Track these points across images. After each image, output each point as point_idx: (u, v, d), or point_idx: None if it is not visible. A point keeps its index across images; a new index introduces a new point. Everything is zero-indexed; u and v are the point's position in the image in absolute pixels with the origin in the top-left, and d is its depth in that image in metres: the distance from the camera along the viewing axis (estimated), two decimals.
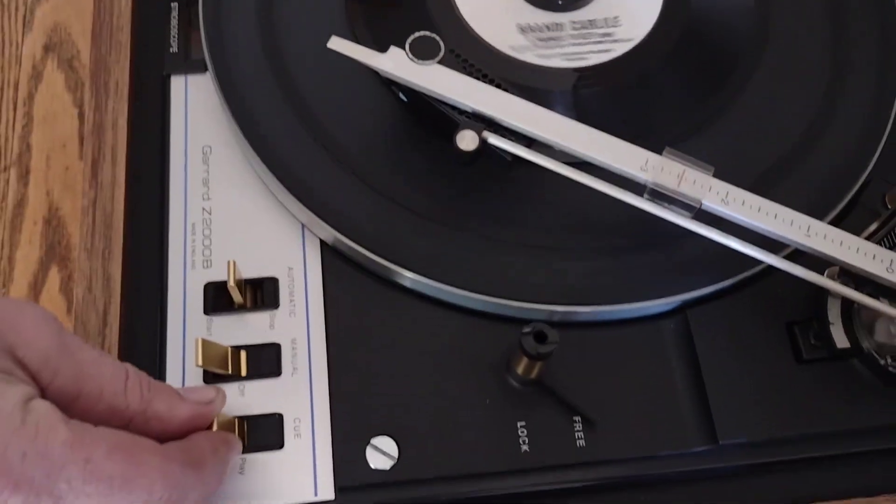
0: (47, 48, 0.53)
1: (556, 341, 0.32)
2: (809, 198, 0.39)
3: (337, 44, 0.38)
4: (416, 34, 0.37)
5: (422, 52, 0.37)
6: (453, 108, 0.36)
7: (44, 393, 0.27)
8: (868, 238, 0.35)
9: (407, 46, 0.37)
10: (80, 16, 0.54)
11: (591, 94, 0.41)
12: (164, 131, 0.41)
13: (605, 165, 0.35)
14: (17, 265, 0.48)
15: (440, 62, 0.36)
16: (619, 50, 0.42)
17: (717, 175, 0.35)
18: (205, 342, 0.34)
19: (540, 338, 0.32)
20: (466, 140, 0.35)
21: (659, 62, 0.42)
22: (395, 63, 0.37)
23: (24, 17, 0.55)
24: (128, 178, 0.40)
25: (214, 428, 0.32)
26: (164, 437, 0.30)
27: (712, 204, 0.34)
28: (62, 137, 0.51)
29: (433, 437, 0.35)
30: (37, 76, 0.53)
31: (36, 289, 0.47)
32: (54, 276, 0.48)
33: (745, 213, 0.34)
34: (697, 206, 0.34)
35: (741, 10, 0.44)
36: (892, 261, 0.33)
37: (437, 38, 0.37)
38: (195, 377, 0.36)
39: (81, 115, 0.52)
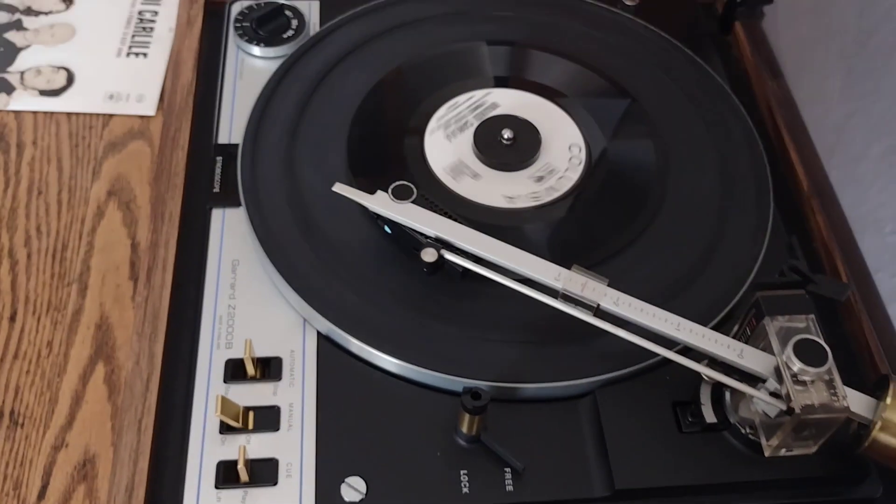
0: (110, 193, 0.66)
1: (487, 398, 0.42)
2: (704, 305, 0.50)
3: (339, 188, 0.51)
4: (396, 183, 0.50)
5: (400, 194, 0.50)
6: (420, 233, 0.49)
7: None
8: (734, 335, 0.46)
9: (389, 190, 0.50)
10: (139, 169, 0.67)
11: (533, 228, 0.54)
12: (204, 248, 0.52)
13: (530, 276, 0.46)
14: (70, 360, 0.57)
15: (413, 202, 0.49)
16: (555, 194, 0.56)
17: (632, 285, 0.46)
18: (224, 399, 0.45)
19: (476, 396, 0.43)
20: (429, 254, 0.47)
21: (585, 203, 0.55)
22: (381, 202, 0.49)
23: (94, 168, 0.68)
24: (173, 283, 0.52)
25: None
26: None
27: (607, 305, 0.45)
28: (116, 262, 0.62)
29: (394, 479, 0.44)
30: (100, 214, 0.64)
31: (84, 379, 0.57)
32: (100, 370, 0.57)
33: (632, 312, 0.45)
34: (595, 306, 0.45)
35: (646, 166, 0.57)
36: (741, 350, 0.44)
37: (411, 185, 0.50)
38: (214, 424, 0.46)
39: (133, 246, 0.64)
